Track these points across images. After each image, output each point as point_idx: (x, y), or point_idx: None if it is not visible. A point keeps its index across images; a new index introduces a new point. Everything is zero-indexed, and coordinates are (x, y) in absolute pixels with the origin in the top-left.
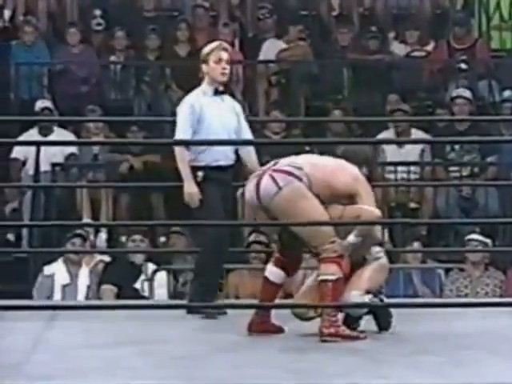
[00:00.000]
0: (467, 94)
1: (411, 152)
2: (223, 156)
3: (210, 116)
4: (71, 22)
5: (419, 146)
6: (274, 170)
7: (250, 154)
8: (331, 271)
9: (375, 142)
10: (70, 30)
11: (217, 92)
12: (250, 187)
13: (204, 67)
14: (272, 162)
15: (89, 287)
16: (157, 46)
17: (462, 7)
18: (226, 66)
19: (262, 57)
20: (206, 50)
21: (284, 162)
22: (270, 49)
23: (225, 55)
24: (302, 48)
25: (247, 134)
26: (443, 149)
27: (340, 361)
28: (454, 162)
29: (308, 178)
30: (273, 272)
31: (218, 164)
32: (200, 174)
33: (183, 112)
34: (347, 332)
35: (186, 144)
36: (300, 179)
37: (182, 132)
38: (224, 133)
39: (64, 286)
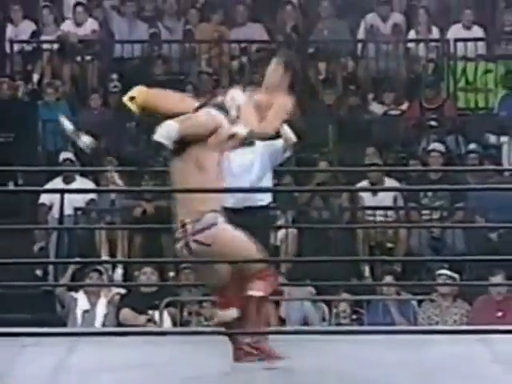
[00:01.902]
0: (441, 147)
1: (385, 199)
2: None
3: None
4: (93, 88)
5: (392, 194)
6: (193, 234)
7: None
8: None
9: (355, 189)
10: (93, 96)
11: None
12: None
13: None
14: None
15: (106, 316)
16: None
17: (432, 71)
18: None
19: None
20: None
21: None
22: None
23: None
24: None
25: None
26: (417, 195)
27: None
28: (426, 207)
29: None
30: None
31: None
32: None
33: None
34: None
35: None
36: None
37: None
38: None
39: (84, 312)
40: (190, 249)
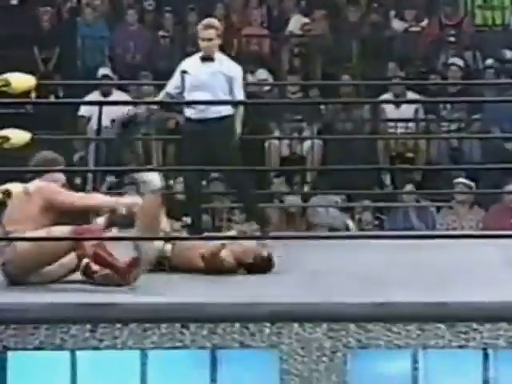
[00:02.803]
0: (460, 62)
1: (406, 111)
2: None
3: (191, 80)
4: (130, 5)
5: (413, 106)
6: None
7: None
8: None
9: (377, 101)
10: (130, 11)
11: (204, 59)
12: None
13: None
14: None
15: None
16: (198, 22)
17: None
18: (207, 43)
19: (289, 29)
20: (197, 27)
21: None
22: (295, 23)
23: (207, 34)
24: (321, 24)
25: (239, 95)
26: (436, 107)
27: (347, 283)
28: (445, 119)
29: None
30: None
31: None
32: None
33: (176, 73)
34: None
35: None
36: None
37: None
38: (205, 94)
39: None
40: None
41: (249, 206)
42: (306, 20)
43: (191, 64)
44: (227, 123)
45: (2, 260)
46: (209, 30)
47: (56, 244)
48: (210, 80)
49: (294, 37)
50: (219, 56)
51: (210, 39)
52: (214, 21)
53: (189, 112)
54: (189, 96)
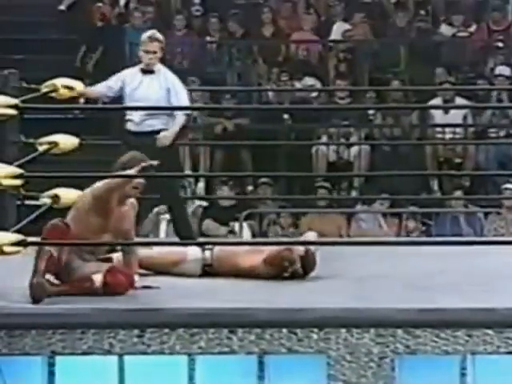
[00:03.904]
0: (507, 71)
1: (456, 116)
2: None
3: (130, 92)
4: (178, 10)
5: (462, 111)
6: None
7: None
8: None
9: (425, 107)
10: (177, 17)
11: (144, 72)
12: None
13: (139, 50)
14: None
15: None
16: (244, 27)
17: None
18: (151, 56)
19: (332, 37)
20: (141, 38)
21: None
22: (338, 30)
23: (152, 46)
24: (363, 29)
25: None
26: (485, 113)
27: (394, 289)
28: (494, 124)
29: None
30: None
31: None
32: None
33: (113, 78)
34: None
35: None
36: None
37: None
38: (145, 103)
39: (169, 222)
40: None
41: (180, 222)
42: (348, 26)
43: (132, 76)
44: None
45: None
46: (154, 42)
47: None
48: (150, 92)
49: (339, 42)
50: (158, 67)
51: (154, 52)
52: (158, 34)
53: (129, 124)
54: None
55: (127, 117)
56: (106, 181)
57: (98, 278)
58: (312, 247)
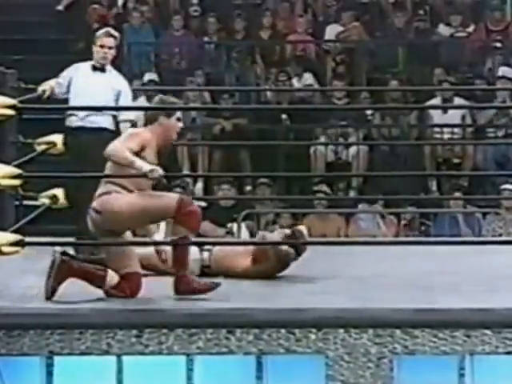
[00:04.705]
0: (509, 73)
1: (454, 116)
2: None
3: (76, 87)
4: (176, 10)
5: (461, 111)
6: None
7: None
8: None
9: (423, 107)
10: (175, 17)
11: (95, 69)
12: None
13: (93, 47)
14: None
15: None
16: (243, 28)
17: None
18: (106, 51)
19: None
20: (97, 34)
21: None
22: (331, 32)
23: (108, 42)
24: (356, 29)
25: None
26: (485, 113)
27: (392, 289)
28: (492, 124)
29: None
30: None
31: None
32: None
33: (62, 74)
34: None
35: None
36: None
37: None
38: (91, 102)
39: (168, 223)
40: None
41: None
42: (341, 28)
43: (82, 71)
44: (104, 136)
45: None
46: (110, 37)
47: (160, 212)
48: (98, 90)
49: (336, 42)
50: (109, 68)
51: (110, 47)
52: (114, 31)
53: (71, 119)
54: (73, 102)
55: (68, 112)
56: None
57: None
58: (299, 228)
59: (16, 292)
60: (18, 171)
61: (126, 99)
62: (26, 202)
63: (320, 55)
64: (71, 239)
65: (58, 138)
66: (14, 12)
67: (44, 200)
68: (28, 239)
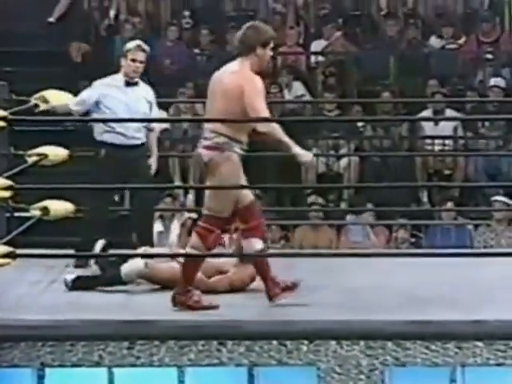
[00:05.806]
0: (501, 83)
1: (445, 128)
2: (125, 137)
3: (114, 104)
4: (170, 22)
5: (452, 123)
6: None
7: (151, 137)
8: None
9: (414, 119)
10: (170, 28)
11: (128, 84)
12: None
13: (122, 61)
14: None
15: (179, 236)
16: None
17: (488, 7)
18: (138, 65)
19: (314, 55)
20: (127, 47)
21: None
22: (317, 46)
23: (140, 56)
24: (338, 41)
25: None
26: (475, 125)
27: (384, 301)
28: (483, 136)
29: None
30: None
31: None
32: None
33: (86, 91)
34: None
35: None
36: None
37: (76, 103)
38: (132, 115)
39: (159, 233)
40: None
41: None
42: (325, 42)
43: (114, 86)
44: (144, 151)
45: None
46: (142, 52)
47: None
48: (135, 105)
49: (327, 54)
50: (138, 80)
51: (141, 61)
52: (145, 45)
53: (114, 138)
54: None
55: (107, 128)
56: None
57: None
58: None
59: (7, 304)
60: (8, 183)
61: (156, 109)
62: (17, 214)
63: (310, 67)
64: (66, 251)
65: (49, 150)
66: (5, 23)
67: (35, 212)
68: (19, 251)
